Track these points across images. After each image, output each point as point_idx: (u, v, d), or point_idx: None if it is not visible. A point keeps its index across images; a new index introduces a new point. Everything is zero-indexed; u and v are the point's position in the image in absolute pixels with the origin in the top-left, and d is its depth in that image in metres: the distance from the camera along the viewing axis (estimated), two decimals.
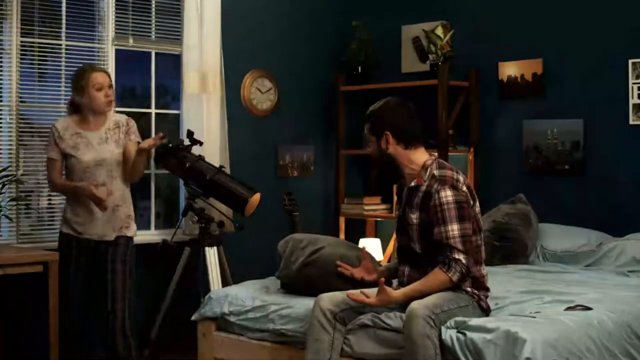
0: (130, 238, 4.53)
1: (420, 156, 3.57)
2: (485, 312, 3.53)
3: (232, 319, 4.10)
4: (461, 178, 3.49)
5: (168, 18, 5.54)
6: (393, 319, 3.47)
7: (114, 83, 4.57)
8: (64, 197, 4.59)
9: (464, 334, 3.24)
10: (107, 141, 4.44)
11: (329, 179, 6.39)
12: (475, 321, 3.30)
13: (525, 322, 3.31)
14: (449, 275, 3.37)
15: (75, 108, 4.47)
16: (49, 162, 4.41)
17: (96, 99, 4.37)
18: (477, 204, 3.56)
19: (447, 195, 3.41)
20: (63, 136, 4.38)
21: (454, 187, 3.43)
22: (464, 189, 3.47)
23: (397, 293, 3.45)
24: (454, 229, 3.39)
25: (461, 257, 3.38)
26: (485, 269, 3.58)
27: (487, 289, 3.58)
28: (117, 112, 4.91)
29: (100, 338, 4.58)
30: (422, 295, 3.38)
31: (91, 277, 4.47)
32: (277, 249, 4.23)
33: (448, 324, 3.31)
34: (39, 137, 4.91)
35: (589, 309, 3.57)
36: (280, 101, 6.10)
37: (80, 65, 5.03)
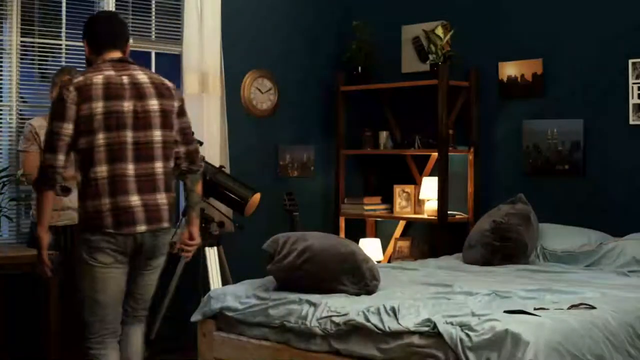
0: None
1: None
2: (100, 230, 3.36)
3: (231, 315, 4.09)
4: (81, 79, 3.34)
5: (168, 18, 5.54)
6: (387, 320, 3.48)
7: None
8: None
9: (467, 335, 3.24)
10: None
11: (329, 179, 6.39)
12: (476, 321, 3.29)
13: (528, 322, 3.28)
14: (45, 187, 3.33)
15: None
16: (31, 155, 4.50)
17: None
18: (102, 104, 3.33)
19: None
20: (39, 133, 4.51)
21: (60, 88, 3.37)
22: (71, 89, 3.31)
23: None
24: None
25: (45, 157, 3.31)
26: (101, 172, 3.36)
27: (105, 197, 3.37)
28: None
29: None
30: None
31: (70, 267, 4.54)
32: (266, 249, 4.18)
33: (450, 323, 3.31)
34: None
35: (592, 307, 3.57)
36: (280, 101, 6.10)
37: (79, 65, 5.06)
